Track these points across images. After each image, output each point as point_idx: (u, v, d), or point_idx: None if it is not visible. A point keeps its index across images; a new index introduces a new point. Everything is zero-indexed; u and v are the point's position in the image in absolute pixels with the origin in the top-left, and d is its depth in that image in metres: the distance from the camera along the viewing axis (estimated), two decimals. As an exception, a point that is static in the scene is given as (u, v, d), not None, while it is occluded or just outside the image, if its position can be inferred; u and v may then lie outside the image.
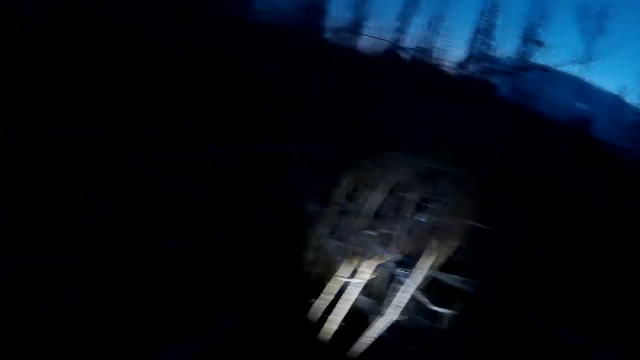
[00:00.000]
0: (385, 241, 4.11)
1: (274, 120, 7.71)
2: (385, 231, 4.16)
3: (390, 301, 3.73)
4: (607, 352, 5.01)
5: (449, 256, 4.12)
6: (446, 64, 16.09)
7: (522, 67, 17.57)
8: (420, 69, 14.69)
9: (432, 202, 4.36)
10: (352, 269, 3.90)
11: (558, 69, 18.85)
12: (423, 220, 4.27)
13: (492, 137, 9.66)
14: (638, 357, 5.24)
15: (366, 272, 3.91)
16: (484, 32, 17.17)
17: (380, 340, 3.64)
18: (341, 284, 3.84)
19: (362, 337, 3.63)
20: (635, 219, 8.88)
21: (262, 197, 5.29)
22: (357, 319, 3.76)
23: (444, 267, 4.14)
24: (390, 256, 4.02)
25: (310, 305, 3.86)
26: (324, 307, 3.82)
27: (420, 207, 4.33)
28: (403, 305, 3.79)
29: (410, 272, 3.80)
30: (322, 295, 3.85)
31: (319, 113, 8.32)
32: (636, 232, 8.42)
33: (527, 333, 4.68)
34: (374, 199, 4.28)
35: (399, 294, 3.75)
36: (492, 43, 17.45)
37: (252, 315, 3.59)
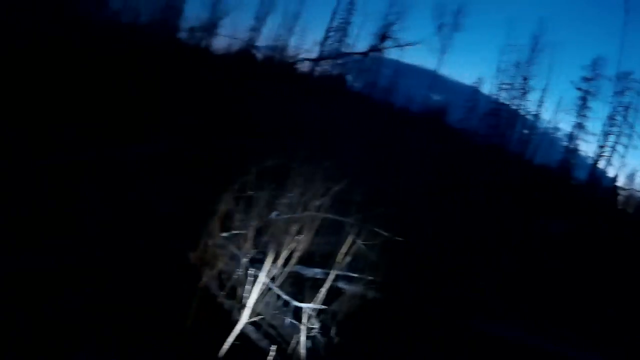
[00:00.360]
0: (241, 240, 4.05)
1: (121, 121, 7.21)
2: (239, 231, 4.10)
3: (249, 299, 3.63)
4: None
5: (306, 250, 4.18)
6: (301, 60, 16.45)
7: (376, 63, 18.60)
8: (275, 67, 14.87)
9: (284, 198, 4.37)
10: (211, 270, 3.81)
11: (414, 63, 20.32)
12: (277, 216, 4.27)
13: (345, 132, 10.01)
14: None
15: (224, 273, 3.85)
16: (339, 29, 17.85)
17: (240, 337, 3.50)
18: (201, 286, 3.71)
19: (223, 337, 3.51)
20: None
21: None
22: (217, 320, 3.65)
23: (302, 261, 4.18)
24: (246, 255, 3.97)
25: (169, 308, 3.66)
26: (184, 309, 3.64)
27: (273, 204, 4.32)
28: (263, 302, 3.73)
29: (267, 269, 3.78)
30: (181, 298, 3.67)
31: (170, 113, 7.99)
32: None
33: (398, 323, 4.88)
34: (226, 200, 4.18)
35: (257, 292, 3.69)
36: (348, 40, 18.23)
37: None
